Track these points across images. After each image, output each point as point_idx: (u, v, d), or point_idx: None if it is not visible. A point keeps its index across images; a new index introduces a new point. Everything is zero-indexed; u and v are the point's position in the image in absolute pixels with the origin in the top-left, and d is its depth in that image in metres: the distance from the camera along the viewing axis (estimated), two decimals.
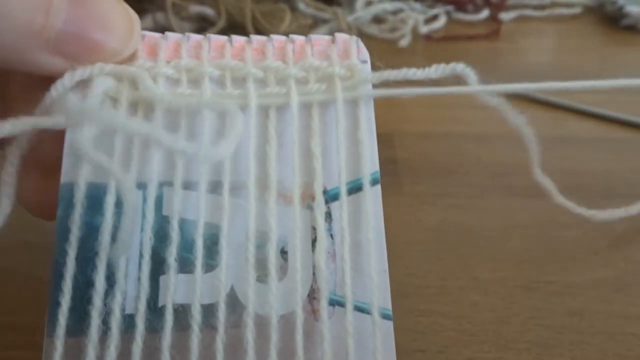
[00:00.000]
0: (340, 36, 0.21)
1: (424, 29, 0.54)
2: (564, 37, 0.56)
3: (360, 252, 0.18)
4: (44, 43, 0.17)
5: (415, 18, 0.55)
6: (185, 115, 0.19)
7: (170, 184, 0.18)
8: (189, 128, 0.19)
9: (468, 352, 0.23)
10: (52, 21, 0.17)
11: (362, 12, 0.55)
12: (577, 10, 0.60)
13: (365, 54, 0.20)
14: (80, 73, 0.18)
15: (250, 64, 0.20)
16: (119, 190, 0.17)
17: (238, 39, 0.20)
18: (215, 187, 0.18)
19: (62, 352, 0.16)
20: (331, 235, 0.18)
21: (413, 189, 0.33)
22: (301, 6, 0.54)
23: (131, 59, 0.19)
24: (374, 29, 0.54)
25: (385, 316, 0.18)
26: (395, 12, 0.57)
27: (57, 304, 0.17)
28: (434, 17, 0.57)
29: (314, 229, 0.18)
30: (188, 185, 0.18)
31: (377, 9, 0.56)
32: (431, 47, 0.53)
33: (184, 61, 0.19)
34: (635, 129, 0.39)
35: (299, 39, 0.20)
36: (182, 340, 0.17)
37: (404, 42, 0.52)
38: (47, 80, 0.19)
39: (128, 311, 0.17)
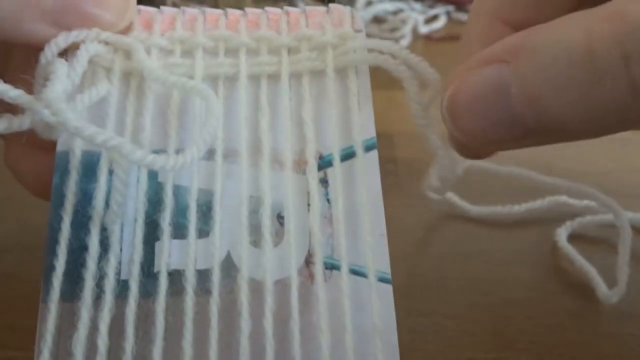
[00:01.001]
0: (335, 6, 0.21)
1: (424, 29, 0.54)
2: None
3: (357, 216, 0.18)
4: (40, 13, 0.17)
5: (415, 18, 0.55)
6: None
7: (164, 151, 0.18)
8: (182, 99, 0.19)
9: (468, 352, 0.23)
10: None
11: (362, 12, 0.55)
12: None
13: (360, 24, 0.20)
14: (74, 35, 0.18)
15: (243, 34, 0.20)
16: (110, 157, 0.18)
17: (233, 12, 0.20)
18: (208, 154, 0.18)
19: (56, 316, 0.16)
20: (328, 200, 0.19)
21: (413, 189, 0.33)
22: (301, 6, 0.54)
23: (126, 32, 0.19)
24: (374, 29, 0.54)
25: (383, 279, 0.18)
26: (395, 12, 0.57)
27: (52, 268, 0.17)
28: (434, 17, 0.57)
29: (309, 194, 0.18)
30: (181, 153, 0.18)
31: (377, 9, 0.56)
32: (431, 47, 0.53)
33: (178, 33, 0.20)
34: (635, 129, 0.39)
35: (294, 10, 0.21)
36: (177, 304, 0.17)
37: (404, 42, 0.52)
38: None
39: (123, 277, 0.17)
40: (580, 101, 0.15)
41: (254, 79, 0.20)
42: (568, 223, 0.29)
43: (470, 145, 0.19)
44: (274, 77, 0.20)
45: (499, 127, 0.17)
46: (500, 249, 0.29)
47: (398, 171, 0.34)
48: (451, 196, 0.30)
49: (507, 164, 0.35)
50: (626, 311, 0.25)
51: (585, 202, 0.30)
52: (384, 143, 0.39)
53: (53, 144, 0.18)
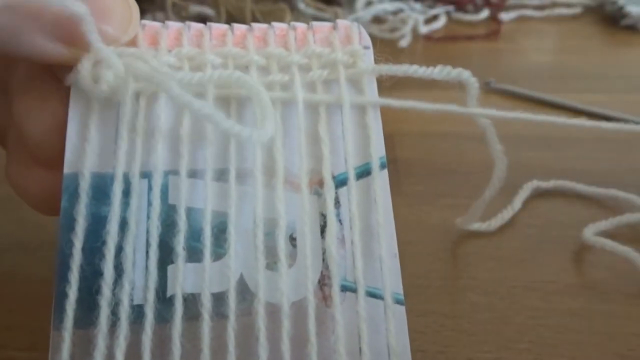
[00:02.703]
0: (342, 22, 0.20)
1: (424, 29, 0.54)
2: (564, 37, 0.56)
3: (371, 236, 0.18)
4: (40, 27, 0.17)
5: (415, 18, 0.55)
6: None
7: (175, 172, 0.18)
8: (194, 120, 0.18)
9: (468, 352, 0.23)
10: (49, 5, 0.17)
11: (362, 12, 0.55)
12: (577, 10, 0.60)
13: (367, 40, 0.20)
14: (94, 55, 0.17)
15: (252, 51, 0.19)
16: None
17: (239, 27, 0.20)
18: (221, 175, 0.18)
19: (70, 344, 0.16)
20: (340, 221, 0.18)
21: (413, 189, 0.33)
22: (301, 6, 0.54)
23: (131, 46, 0.19)
24: (374, 29, 0.54)
25: (397, 301, 0.18)
26: (395, 12, 0.57)
27: (64, 295, 0.16)
28: (434, 17, 0.57)
29: (321, 215, 0.18)
30: (194, 174, 0.18)
31: (377, 9, 0.56)
32: (431, 47, 0.53)
33: (186, 49, 0.19)
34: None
35: (300, 26, 0.20)
36: (193, 330, 0.17)
37: (404, 42, 0.52)
38: (48, 73, 0.19)
39: (136, 302, 0.17)
40: None
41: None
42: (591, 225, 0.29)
43: None
44: (287, 96, 0.19)
45: None
46: (499, 248, 0.29)
47: (398, 171, 0.34)
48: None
49: (509, 165, 0.35)
50: (626, 311, 0.25)
51: None
52: (384, 143, 0.39)
53: (57, 162, 0.18)
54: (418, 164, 0.35)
